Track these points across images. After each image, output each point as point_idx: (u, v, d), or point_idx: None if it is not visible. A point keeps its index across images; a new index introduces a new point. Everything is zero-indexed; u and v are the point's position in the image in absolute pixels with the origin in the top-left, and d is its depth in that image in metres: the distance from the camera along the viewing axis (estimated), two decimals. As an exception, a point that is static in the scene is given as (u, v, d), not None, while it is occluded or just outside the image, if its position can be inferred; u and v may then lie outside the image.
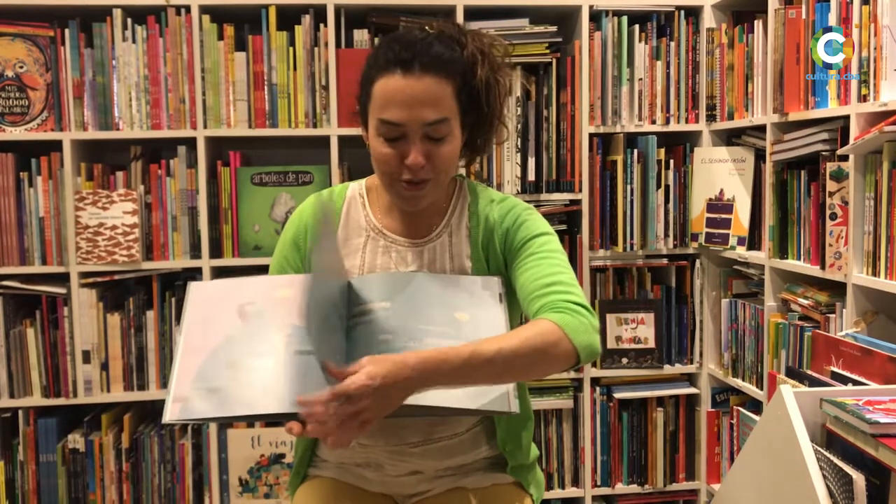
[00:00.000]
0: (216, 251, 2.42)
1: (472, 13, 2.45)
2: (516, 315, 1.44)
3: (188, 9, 2.36)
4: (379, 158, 1.33)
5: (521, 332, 1.21)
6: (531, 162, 2.51)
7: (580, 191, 2.52)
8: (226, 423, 2.43)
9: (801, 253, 2.14)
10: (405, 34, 1.35)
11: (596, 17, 2.51)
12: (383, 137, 1.31)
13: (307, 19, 2.40)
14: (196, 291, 1.32)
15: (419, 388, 1.12)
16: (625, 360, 2.59)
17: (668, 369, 2.62)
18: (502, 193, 1.48)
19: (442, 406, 1.19)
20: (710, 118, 2.56)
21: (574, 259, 2.51)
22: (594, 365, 2.57)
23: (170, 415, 1.16)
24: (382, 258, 1.41)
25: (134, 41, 2.36)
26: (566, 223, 2.59)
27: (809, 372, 1.80)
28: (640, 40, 2.54)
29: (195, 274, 2.42)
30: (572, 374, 2.57)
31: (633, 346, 2.60)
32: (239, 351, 1.23)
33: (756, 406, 2.40)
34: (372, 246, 1.42)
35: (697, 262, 2.61)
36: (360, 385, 1.06)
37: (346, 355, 1.25)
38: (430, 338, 1.24)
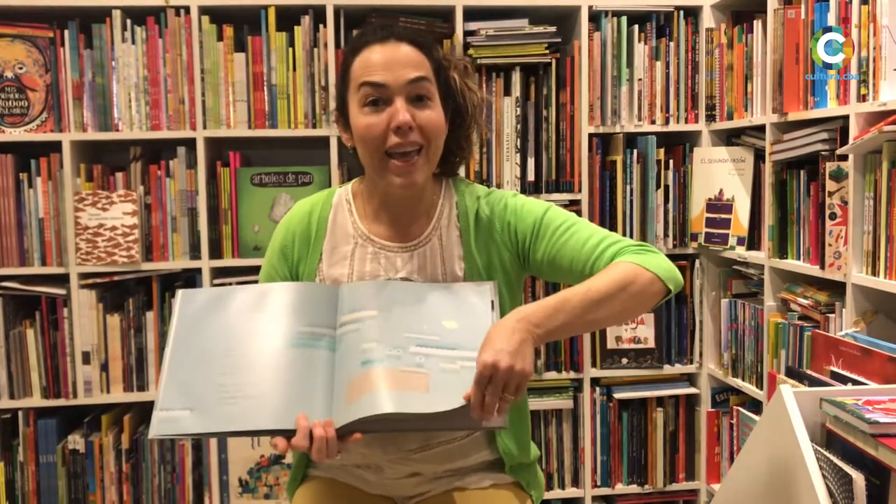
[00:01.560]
0: (216, 252, 2.42)
1: (472, 13, 2.45)
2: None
3: (187, 10, 2.36)
4: (365, 133, 1.31)
5: (603, 274, 1.26)
6: (531, 162, 2.51)
7: (580, 191, 2.52)
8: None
9: (801, 253, 2.14)
10: (380, 22, 1.38)
11: (595, 17, 2.51)
12: (368, 106, 1.30)
13: (306, 20, 2.40)
14: (185, 300, 1.29)
15: (536, 343, 1.18)
16: (625, 361, 2.59)
17: (667, 369, 2.62)
18: (486, 188, 1.46)
19: (425, 412, 1.15)
20: (710, 118, 2.56)
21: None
22: (594, 365, 2.58)
23: (157, 429, 1.15)
24: (371, 265, 1.38)
25: (133, 42, 2.36)
26: (566, 223, 2.58)
27: (809, 372, 1.79)
28: (639, 40, 2.54)
29: (195, 274, 2.42)
30: (572, 374, 2.58)
31: (633, 346, 2.60)
32: (227, 364, 1.21)
33: (756, 406, 2.40)
34: (360, 253, 1.39)
35: (697, 262, 2.61)
36: (489, 366, 1.12)
37: (334, 366, 1.23)
38: (415, 346, 1.22)
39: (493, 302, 1.30)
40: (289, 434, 1.14)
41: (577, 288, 1.23)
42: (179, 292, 1.31)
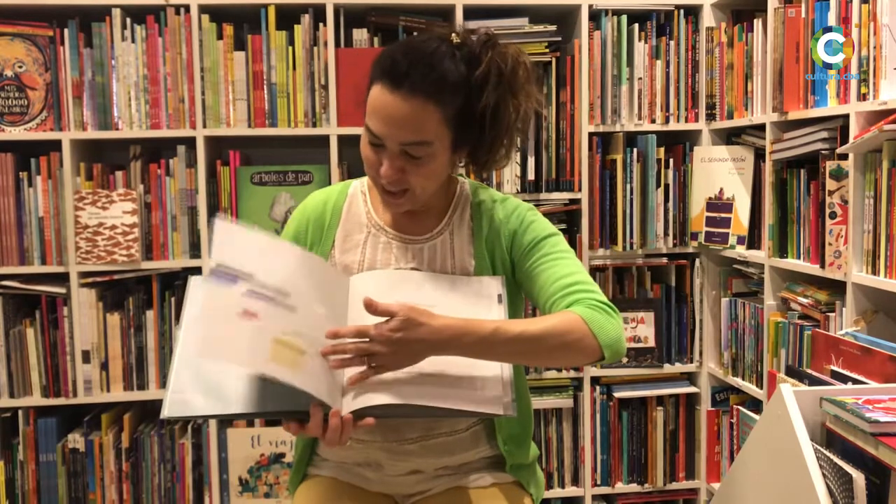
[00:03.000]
0: (216, 251, 2.42)
1: (472, 12, 2.45)
2: (517, 316, 1.44)
3: (187, 8, 2.35)
4: (363, 157, 1.35)
5: (548, 319, 1.25)
6: (531, 161, 2.51)
7: (580, 190, 2.52)
8: (226, 422, 2.43)
9: (801, 252, 2.14)
10: (417, 43, 1.31)
11: (595, 16, 2.51)
12: (368, 141, 1.33)
13: (306, 19, 2.40)
14: (197, 286, 1.32)
15: (438, 352, 1.18)
16: (625, 360, 2.59)
17: (667, 368, 2.62)
18: (503, 193, 1.49)
19: (438, 406, 1.19)
20: (710, 117, 2.56)
21: (574, 258, 2.51)
22: (594, 364, 2.57)
23: (168, 410, 1.17)
24: (383, 254, 1.41)
25: (133, 41, 2.36)
26: (566, 222, 2.59)
27: (809, 371, 1.80)
28: (639, 39, 2.54)
29: (195, 273, 2.42)
30: (572, 374, 2.58)
31: (633, 345, 2.60)
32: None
33: (756, 405, 2.40)
34: (372, 242, 1.42)
35: (697, 261, 2.61)
36: (383, 334, 1.15)
37: None
38: None
39: (499, 296, 1.32)
40: (301, 416, 1.16)
41: (516, 324, 1.23)
42: (191, 278, 1.33)
